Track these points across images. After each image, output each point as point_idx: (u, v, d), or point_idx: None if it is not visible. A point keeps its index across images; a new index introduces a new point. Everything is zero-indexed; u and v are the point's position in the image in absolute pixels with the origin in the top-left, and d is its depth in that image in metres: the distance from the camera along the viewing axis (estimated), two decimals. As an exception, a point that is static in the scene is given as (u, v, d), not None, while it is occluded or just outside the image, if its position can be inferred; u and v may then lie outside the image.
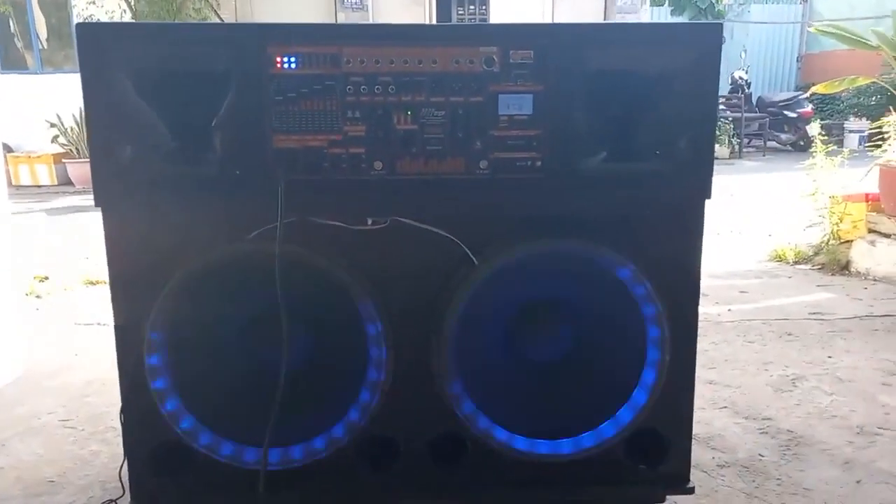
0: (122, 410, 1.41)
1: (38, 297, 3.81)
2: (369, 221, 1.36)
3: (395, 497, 1.48)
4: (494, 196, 1.35)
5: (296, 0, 9.89)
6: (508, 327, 1.44)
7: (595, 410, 1.45)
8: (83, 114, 1.30)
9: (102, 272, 4.16)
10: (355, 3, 10.79)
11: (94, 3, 8.85)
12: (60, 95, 8.95)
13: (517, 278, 1.40)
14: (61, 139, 9.14)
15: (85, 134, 7.76)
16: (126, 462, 1.45)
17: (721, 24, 1.37)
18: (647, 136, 1.36)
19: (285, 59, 1.28)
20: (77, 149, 9.14)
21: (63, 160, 9.20)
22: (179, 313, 1.35)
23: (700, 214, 1.39)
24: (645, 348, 1.43)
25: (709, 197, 1.37)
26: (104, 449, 1.99)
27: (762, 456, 1.93)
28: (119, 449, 1.90)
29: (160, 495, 1.43)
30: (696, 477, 1.58)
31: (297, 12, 10.32)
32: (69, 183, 9.13)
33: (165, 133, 1.30)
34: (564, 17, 10.85)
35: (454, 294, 1.37)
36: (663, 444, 1.48)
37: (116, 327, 1.37)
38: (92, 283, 4.11)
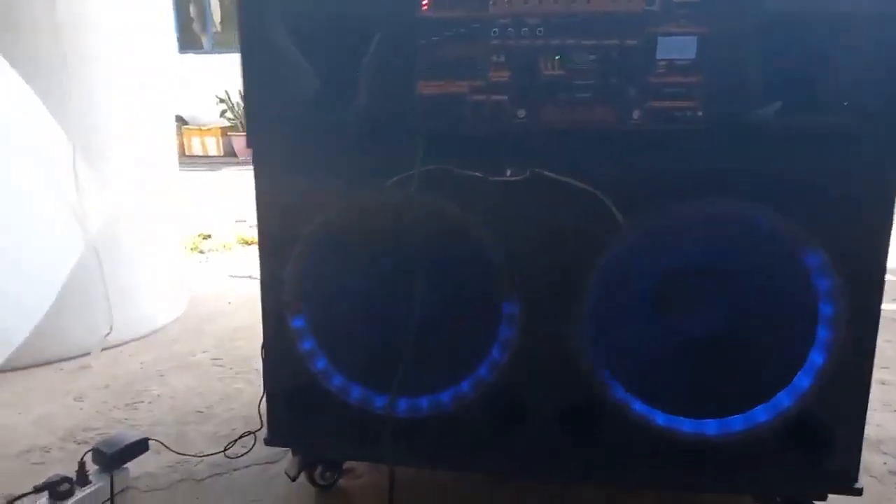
0: (263, 347, 1.47)
1: (201, 251, 4.15)
2: (508, 172, 1.30)
3: (518, 461, 1.43)
4: (648, 150, 1.24)
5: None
6: (656, 294, 1.33)
7: (749, 391, 1.31)
8: (242, 61, 1.34)
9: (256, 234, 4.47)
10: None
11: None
12: (230, 74, 9.67)
13: (669, 241, 1.29)
14: (228, 114, 9.88)
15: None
16: (264, 397, 1.51)
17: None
18: (829, 86, 1.18)
19: (431, 1, 1.24)
20: (241, 123, 9.85)
21: (229, 133, 9.96)
22: (318, 258, 1.37)
23: (891, 176, 1.19)
24: (815, 326, 1.26)
25: (907, 158, 1.17)
26: (248, 388, 2.12)
27: (945, 467, 1.67)
28: (261, 388, 2.02)
29: (293, 430, 1.48)
30: (864, 481, 1.39)
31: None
32: (233, 154, 9.88)
33: (314, 78, 1.32)
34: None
35: (596, 254, 1.29)
36: (829, 436, 1.30)
37: (261, 267, 1.42)
38: (247, 242, 4.42)
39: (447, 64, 1.27)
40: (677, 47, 1.21)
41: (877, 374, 2.16)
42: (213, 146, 10.19)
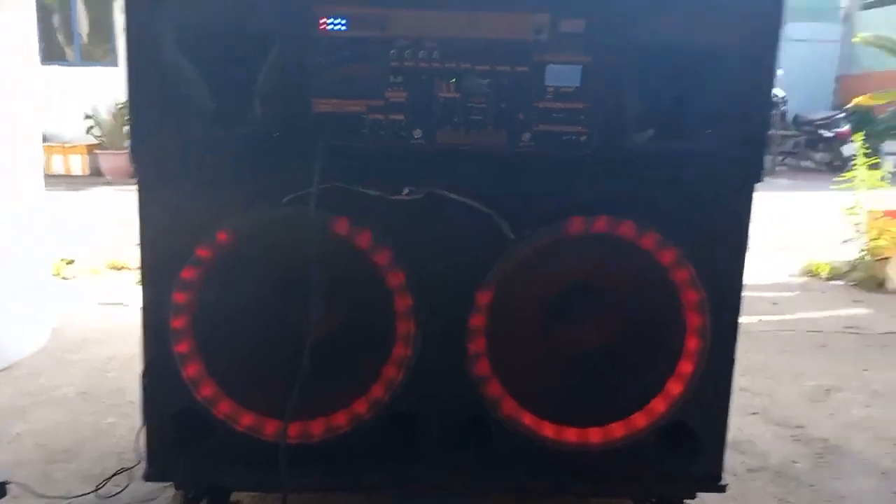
0: (144, 374, 1.38)
1: (64, 278, 3.84)
2: (405, 191, 1.32)
3: (415, 477, 1.43)
4: (536, 171, 1.31)
5: None
6: (543, 310, 1.39)
7: (627, 400, 1.40)
8: (127, 70, 1.28)
9: (127, 258, 4.21)
10: None
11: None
12: (97, 88, 9.10)
13: (555, 258, 1.36)
14: (95, 131, 9.28)
15: (121, 123, 7.88)
16: (143, 430, 1.41)
17: (781, -3, 1.30)
18: (698, 114, 1.30)
19: (330, 20, 1.25)
20: (110, 140, 9.27)
21: (96, 151, 9.34)
22: (206, 279, 1.32)
23: (749, 199, 1.33)
24: (683, 337, 1.37)
25: (760, 181, 1.32)
26: (122, 422, 1.98)
27: (795, 462, 1.86)
28: (138, 422, 1.89)
29: (176, 463, 1.39)
30: (726, 480, 1.51)
31: None
32: (100, 174, 9.26)
33: (206, 92, 1.28)
34: None
35: (489, 272, 1.33)
36: (697, 440, 1.41)
37: (144, 289, 1.34)
38: (117, 268, 4.15)
39: (344, 82, 1.27)
40: (563, 75, 1.29)
41: (736, 380, 2.36)
42: (78, 165, 9.50)
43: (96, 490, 1.56)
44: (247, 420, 1.37)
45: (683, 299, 1.35)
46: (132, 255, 4.20)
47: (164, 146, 1.30)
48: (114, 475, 1.57)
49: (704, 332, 1.36)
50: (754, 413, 2.18)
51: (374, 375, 1.37)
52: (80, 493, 1.56)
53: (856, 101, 4.55)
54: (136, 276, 3.91)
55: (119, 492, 1.55)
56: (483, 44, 1.26)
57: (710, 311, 1.35)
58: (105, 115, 9.27)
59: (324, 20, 1.25)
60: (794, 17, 13.52)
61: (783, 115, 10.98)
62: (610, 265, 1.37)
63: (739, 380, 2.38)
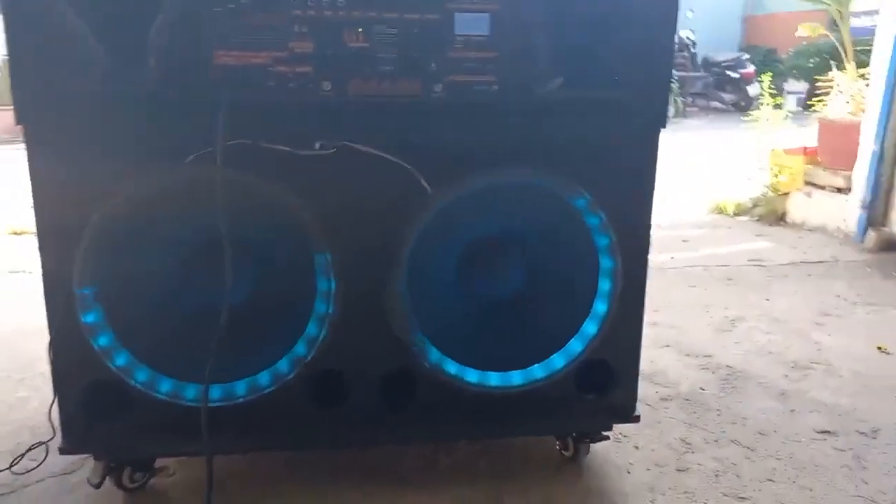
0: (51, 346, 1.32)
1: (-43, 245, 3.59)
2: (317, 146, 1.29)
3: (344, 433, 1.45)
4: (449, 122, 1.30)
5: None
6: (461, 259, 1.41)
7: (546, 342, 1.45)
8: (4, 22, 1.17)
9: (29, 222, 3.96)
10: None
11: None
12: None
13: (471, 208, 1.37)
14: (-20, 83, 8.54)
15: (4, 79, 7.32)
16: (56, 402, 1.36)
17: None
18: (605, 63, 1.32)
19: (224, -34, 1.18)
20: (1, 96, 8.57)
21: (-17, 106, 8.62)
22: (112, 243, 1.26)
23: (655, 144, 1.37)
24: (597, 279, 1.42)
25: (664, 126, 1.36)
26: (33, 395, 1.90)
27: (703, 389, 1.99)
28: (49, 394, 1.81)
29: (93, 434, 1.35)
30: (640, 410, 1.61)
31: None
32: (-9, 131, 8.58)
33: (97, 45, 1.19)
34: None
35: (407, 224, 1.33)
36: (612, 376, 1.49)
37: (42, 255, 1.27)
38: (17, 233, 3.90)
39: (247, 32, 1.22)
40: (473, 23, 1.27)
41: (649, 316, 2.48)
42: (-37, 122, 8.76)
43: (10, 467, 1.49)
44: (165, 387, 1.34)
45: (595, 243, 1.40)
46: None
47: (53, 106, 1.21)
48: (28, 450, 1.52)
49: (616, 274, 1.41)
50: (666, 346, 2.31)
51: (297, 334, 1.36)
52: (-6, 471, 1.50)
53: (799, 32, 4.57)
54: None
55: (35, 467, 1.49)
56: (390, -10, 1.23)
57: (620, 254, 1.40)
58: (-8, 66, 8.52)
59: (220, -34, 1.18)
60: (703, -41, 13.79)
61: (693, 56, 11.29)
62: (524, 213, 1.39)
63: (652, 315, 2.52)
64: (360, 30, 1.25)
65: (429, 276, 1.40)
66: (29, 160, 1.24)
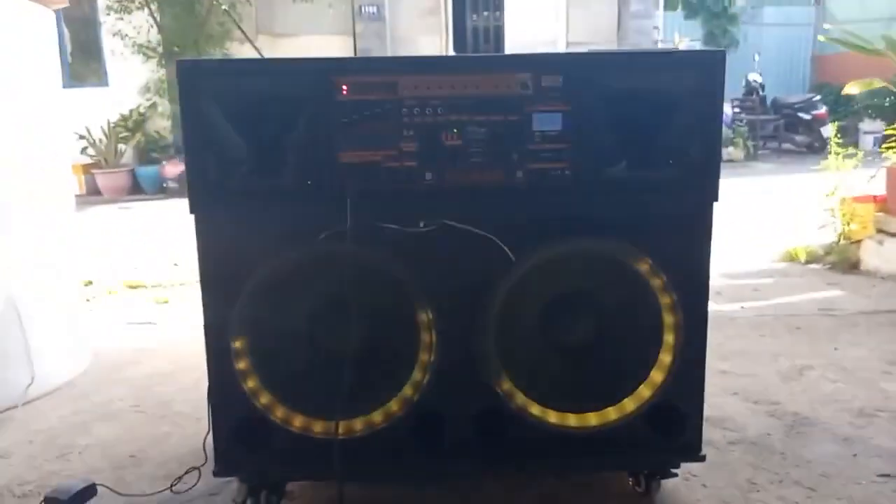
0: (209, 390, 1.63)
1: (86, 300, 4.06)
2: (421, 224, 1.58)
3: (442, 465, 1.70)
4: (529, 201, 1.57)
5: (314, 10, 10.17)
6: (542, 315, 1.65)
7: (619, 388, 1.66)
8: (183, 136, 1.53)
9: (143, 276, 4.44)
10: (373, 13, 11.07)
11: (122, 19, 9.18)
12: (86, 108, 9.30)
13: (550, 272, 1.61)
14: (90, 150, 9.47)
15: (114, 141, 8.03)
16: (210, 434, 1.66)
17: (724, 51, 1.57)
18: (661, 148, 1.57)
19: (350, 88, 1.50)
20: (105, 159, 9.48)
21: (92, 171, 9.53)
22: (261, 304, 1.57)
23: (709, 215, 1.59)
24: (661, 333, 1.63)
25: (716, 200, 1.58)
26: (175, 430, 2.23)
27: (769, 434, 2.12)
28: (188, 430, 2.15)
29: (241, 460, 1.65)
30: (708, 452, 1.77)
31: (316, 20, 10.59)
32: (97, 192, 9.46)
33: (250, 152, 1.53)
34: (578, 22, 11.05)
35: (496, 286, 1.59)
36: (679, 418, 1.68)
37: (206, 317, 1.59)
38: (133, 286, 4.37)
39: (365, 137, 1.53)
40: (547, 121, 1.55)
41: (718, 365, 2.66)
42: (75, 184, 9.70)
43: (171, 487, 1.81)
44: (298, 422, 1.63)
45: (659, 302, 1.61)
46: (148, 273, 4.46)
47: (216, 199, 1.55)
48: (185, 473, 1.83)
49: (678, 328, 1.62)
50: (735, 393, 2.45)
51: (405, 378, 1.63)
52: (158, 490, 1.81)
53: (846, 89, 4.71)
54: (155, 294, 4.16)
55: (191, 487, 1.80)
56: (479, 98, 1.52)
57: (681, 310, 1.60)
58: (98, 134, 9.45)
59: (345, 87, 1.51)
60: (768, 2, 13.81)
61: (762, 99, 11.26)
62: (596, 277, 1.63)
63: (721, 364, 2.69)
64: (455, 130, 1.55)
65: (514, 331, 1.64)
66: (198, 243, 1.57)
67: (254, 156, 1.55)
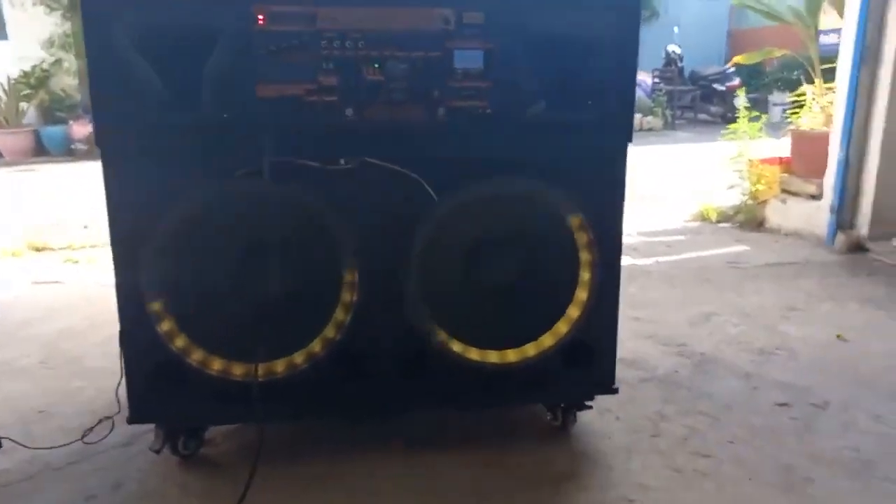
0: (121, 332, 1.57)
1: (-21, 261, 3.83)
2: (342, 161, 1.55)
3: (365, 405, 1.71)
4: (451, 140, 1.57)
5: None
6: (463, 254, 1.67)
7: (537, 325, 1.71)
8: (88, 66, 1.44)
9: (50, 239, 4.21)
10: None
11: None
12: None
13: (470, 213, 1.63)
14: (-10, 108, 8.83)
15: (16, 99, 7.49)
16: (123, 381, 1.61)
17: (640, -5, 1.61)
18: (579, 88, 1.60)
19: (267, 17, 1.45)
20: (5, 118, 8.85)
21: (-9, 130, 8.90)
22: (174, 246, 1.52)
23: (624, 155, 1.64)
24: (578, 271, 1.68)
25: (630, 140, 1.63)
26: (87, 384, 2.14)
27: (677, 372, 2.24)
28: (102, 384, 2.07)
29: (158, 407, 1.60)
30: (621, 389, 1.86)
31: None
32: (-1, 154, 8.85)
33: (162, 84, 1.46)
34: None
35: (416, 225, 1.59)
36: (593, 353, 1.74)
37: (114, 254, 1.52)
38: (39, 248, 4.14)
39: (283, 69, 1.49)
40: (469, 59, 1.55)
41: (633, 312, 2.77)
42: (-29, 145, 9.02)
43: (82, 438, 1.74)
44: (217, 365, 1.60)
45: (576, 241, 1.66)
46: (55, 236, 4.23)
47: (124, 133, 1.47)
48: (97, 423, 1.76)
49: (594, 266, 1.67)
50: (647, 337, 2.56)
51: (326, 319, 1.62)
52: (68, 442, 1.74)
53: (734, 59, 5.02)
54: (63, 255, 3.96)
55: (103, 438, 1.74)
56: (400, 33, 1.50)
57: (597, 249, 1.66)
58: (-3, 89, 8.80)
59: (262, 17, 1.46)
60: (688, -24, 14.18)
61: (680, 70, 11.63)
62: (515, 216, 1.66)
63: (636, 311, 2.80)
64: (376, 66, 1.52)
65: (436, 271, 1.66)
66: (105, 179, 1.50)
67: (166, 88, 1.48)
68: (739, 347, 2.46)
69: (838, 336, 2.55)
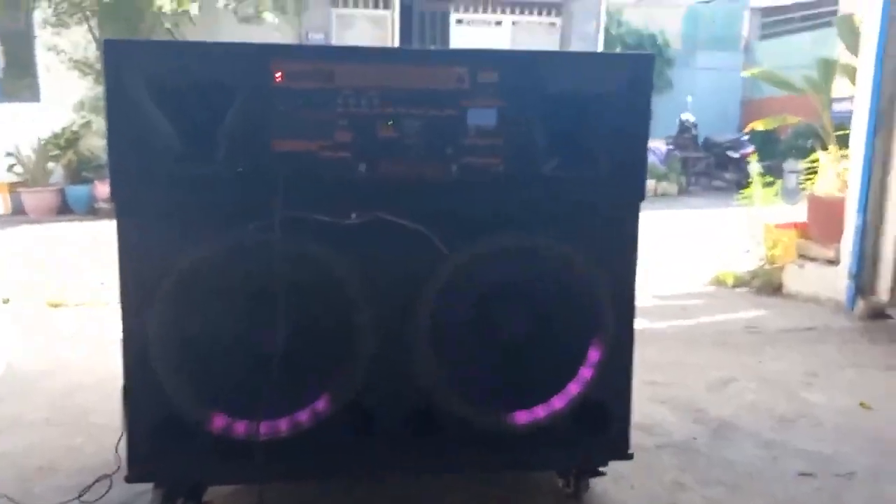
0: (125, 388, 1.55)
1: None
2: (353, 216, 1.56)
3: (372, 465, 1.65)
4: (463, 196, 1.58)
5: (261, 32, 10.11)
6: (474, 311, 1.65)
7: (548, 385, 1.66)
8: (106, 118, 1.48)
9: (65, 296, 4.24)
10: (319, 39, 11.08)
11: (59, 34, 8.91)
12: (17, 125, 8.93)
13: (482, 268, 1.62)
14: (17, 168, 9.07)
15: (44, 159, 7.69)
16: (125, 437, 1.57)
17: (653, 55, 1.63)
18: (592, 146, 1.61)
19: (285, 74, 1.49)
20: (33, 178, 9.08)
21: (18, 189, 9.11)
22: (183, 298, 1.51)
23: (636, 211, 1.64)
24: (592, 330, 1.65)
25: (643, 198, 1.62)
26: (90, 441, 2.11)
27: (695, 439, 2.17)
28: (104, 441, 2.04)
29: (157, 464, 1.56)
30: (637, 455, 1.80)
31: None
32: (23, 212, 9.03)
33: (178, 137, 1.49)
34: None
35: (426, 281, 1.58)
36: (606, 416, 1.69)
37: (122, 305, 1.52)
38: (54, 305, 4.16)
39: (299, 125, 1.51)
40: (482, 116, 1.57)
41: (648, 376, 2.71)
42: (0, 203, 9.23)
43: (79, 497, 1.69)
44: (219, 422, 1.56)
45: (589, 298, 1.63)
46: (72, 293, 4.26)
47: (141, 186, 1.50)
48: (95, 481, 1.72)
49: (608, 325, 1.64)
50: (662, 402, 2.49)
51: (334, 376, 1.59)
52: (66, 500, 1.70)
53: (751, 125, 5.07)
54: (78, 312, 3.98)
55: (101, 496, 1.69)
56: (415, 92, 1.53)
57: (611, 307, 1.63)
58: (27, 151, 9.07)
59: (279, 74, 1.49)
60: (701, 48, 14.55)
61: (694, 138, 11.76)
62: (528, 271, 1.64)
63: (651, 375, 2.73)
64: (390, 122, 1.55)
65: (446, 327, 1.63)
66: (118, 229, 1.51)
67: (182, 141, 1.50)
68: (759, 414, 2.38)
69: (861, 404, 2.47)
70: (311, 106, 1.51)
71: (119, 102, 1.47)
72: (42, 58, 9.42)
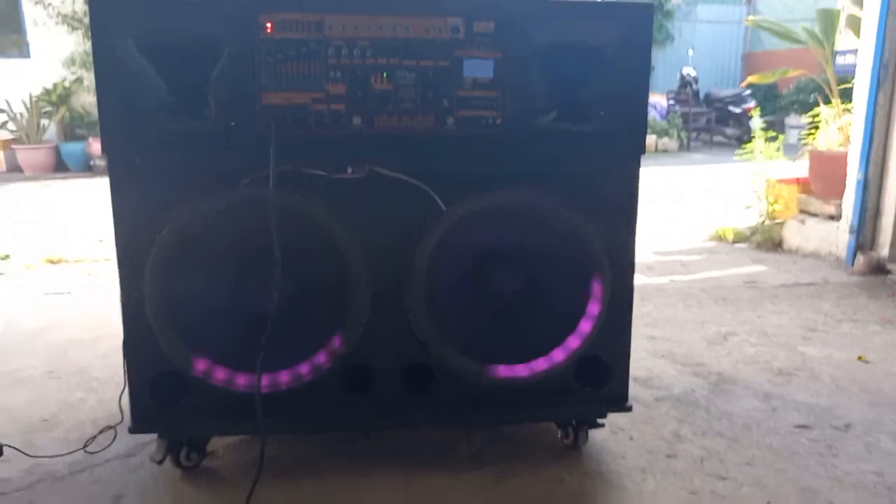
0: (125, 342, 1.55)
1: (0, 273, 3.85)
2: (349, 170, 1.53)
3: (371, 420, 1.67)
4: (460, 149, 1.55)
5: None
6: (472, 266, 1.64)
7: (547, 339, 1.66)
8: (95, 74, 1.44)
9: (63, 252, 4.23)
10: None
11: (45, -13, 8.69)
12: (6, 81, 8.78)
13: (480, 223, 1.60)
14: (10, 125, 8.95)
15: (37, 116, 7.58)
16: (126, 391, 1.58)
17: (652, 5, 1.58)
18: (592, 99, 1.57)
19: (274, 25, 1.44)
20: (27, 134, 8.98)
21: (12, 146, 9.02)
22: (178, 254, 1.50)
23: (636, 167, 1.61)
24: (590, 284, 1.64)
25: (643, 152, 1.59)
26: (90, 396, 2.12)
27: (694, 391, 2.18)
28: (106, 394, 2.06)
29: (160, 416, 1.57)
30: (635, 408, 1.81)
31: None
32: (19, 169, 8.96)
33: (168, 92, 1.45)
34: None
35: (424, 237, 1.56)
36: (605, 369, 1.69)
37: (119, 263, 1.51)
38: (53, 261, 4.16)
39: (291, 78, 1.47)
40: (479, 68, 1.53)
41: (647, 331, 2.71)
42: (-7, 160, 9.15)
43: (84, 447, 1.71)
44: (220, 375, 1.56)
45: (588, 252, 1.62)
46: (70, 249, 4.25)
47: (131, 140, 1.46)
48: (100, 432, 1.73)
49: (606, 279, 1.63)
50: (662, 356, 2.50)
51: (332, 330, 1.58)
52: (70, 451, 1.72)
53: (748, 79, 4.99)
54: (77, 268, 3.97)
55: (106, 447, 1.71)
56: (409, 42, 1.49)
57: (609, 261, 1.62)
58: (20, 108, 8.93)
59: (269, 25, 1.45)
60: (702, 0, 14.23)
61: (695, 93, 11.60)
62: (525, 227, 1.62)
63: (651, 330, 2.74)
64: (385, 74, 1.51)
65: (444, 282, 1.62)
66: (111, 186, 1.49)
67: (173, 97, 1.47)
68: (758, 368, 2.39)
69: (859, 357, 2.48)
70: (301, 57, 1.47)
71: (107, 59, 1.43)
72: (29, 12, 9.21)
